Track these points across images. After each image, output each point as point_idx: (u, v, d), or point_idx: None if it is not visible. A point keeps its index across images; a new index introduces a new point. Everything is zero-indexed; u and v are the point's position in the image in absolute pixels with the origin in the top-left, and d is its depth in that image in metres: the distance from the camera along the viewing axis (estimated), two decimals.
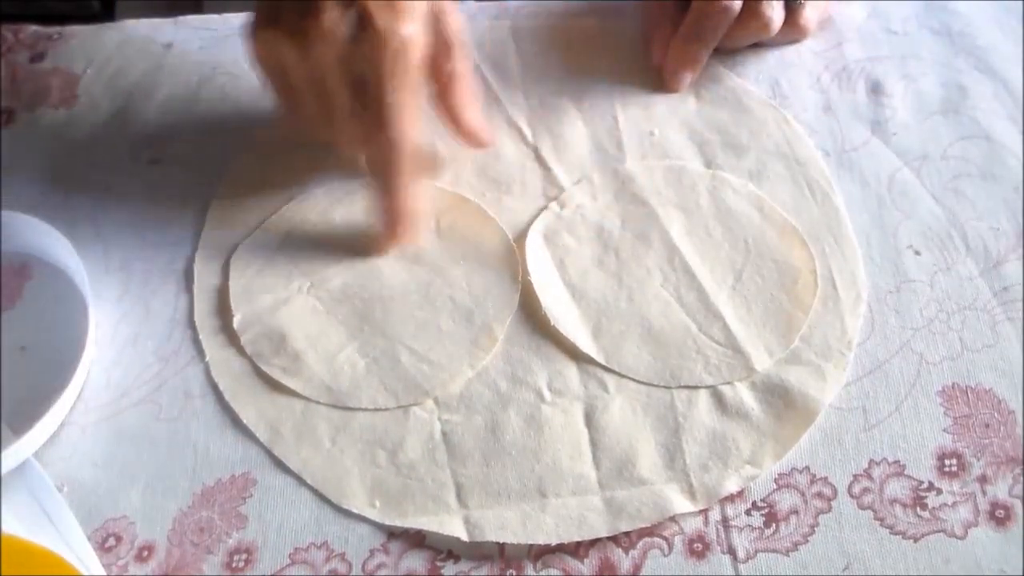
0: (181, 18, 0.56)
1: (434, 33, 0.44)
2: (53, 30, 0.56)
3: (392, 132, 0.42)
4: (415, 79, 0.42)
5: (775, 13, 0.49)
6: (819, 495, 0.39)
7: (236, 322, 0.44)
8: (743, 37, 0.50)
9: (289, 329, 0.44)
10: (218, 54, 0.54)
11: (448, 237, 0.46)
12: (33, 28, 0.56)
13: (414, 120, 0.43)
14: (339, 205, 0.48)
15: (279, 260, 0.46)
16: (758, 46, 0.52)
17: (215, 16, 0.56)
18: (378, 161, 0.44)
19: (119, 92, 0.53)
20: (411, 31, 0.41)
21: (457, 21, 0.45)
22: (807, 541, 0.38)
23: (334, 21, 0.41)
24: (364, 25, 0.41)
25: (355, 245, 0.46)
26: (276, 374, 0.43)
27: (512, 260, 0.45)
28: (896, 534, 0.38)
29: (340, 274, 0.45)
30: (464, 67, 0.46)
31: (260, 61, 0.44)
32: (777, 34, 0.50)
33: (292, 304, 0.45)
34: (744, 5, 0.49)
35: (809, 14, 0.51)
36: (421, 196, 0.45)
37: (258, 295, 0.45)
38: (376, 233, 0.45)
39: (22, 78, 0.54)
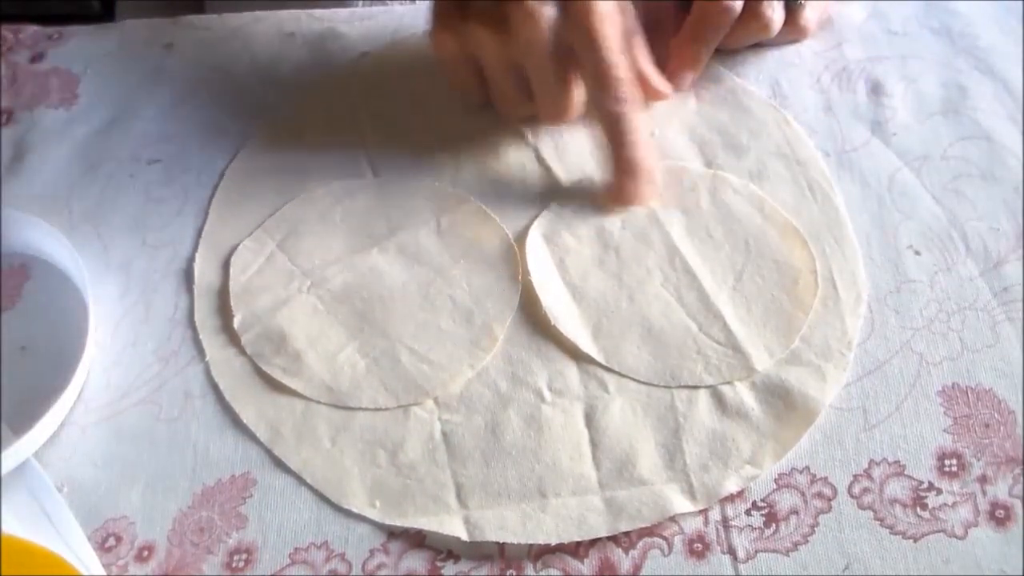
0: (181, 18, 0.56)
1: None
2: (53, 30, 0.56)
3: (622, 89, 0.45)
4: (621, 38, 0.45)
5: (775, 14, 0.50)
6: (819, 495, 0.39)
7: (236, 322, 0.44)
8: (743, 37, 0.51)
9: (289, 329, 0.44)
10: (218, 54, 0.54)
11: (448, 237, 0.46)
12: (33, 28, 0.56)
13: (631, 76, 0.45)
14: (339, 205, 0.48)
15: (279, 260, 0.46)
16: (758, 46, 0.52)
17: (215, 16, 0.56)
18: (611, 120, 0.45)
19: (119, 92, 0.53)
20: None
21: None
22: (807, 541, 0.38)
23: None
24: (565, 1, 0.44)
25: (355, 244, 0.46)
26: (277, 374, 0.43)
27: (512, 260, 0.45)
28: (896, 534, 0.38)
29: (340, 274, 0.45)
30: (636, 25, 0.48)
31: (449, 54, 0.48)
32: (777, 34, 0.51)
33: (292, 304, 0.45)
34: (745, 5, 0.49)
35: (809, 15, 0.51)
36: (653, 151, 0.47)
37: (258, 295, 0.45)
38: (614, 193, 0.46)
39: (22, 78, 0.54)
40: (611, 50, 0.44)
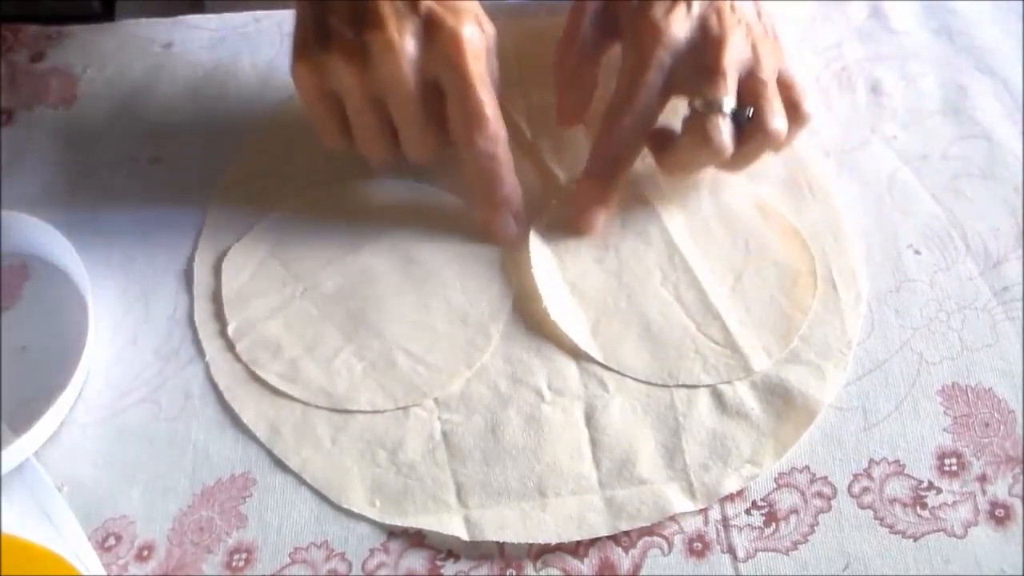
0: (181, 18, 0.56)
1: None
2: (53, 30, 0.56)
3: (493, 127, 0.43)
4: (489, 75, 0.43)
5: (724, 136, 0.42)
6: (819, 494, 0.39)
7: (231, 330, 0.44)
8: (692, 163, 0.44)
9: (285, 335, 0.43)
10: (218, 54, 0.54)
11: (440, 238, 0.46)
12: (33, 28, 0.56)
13: (500, 115, 0.43)
14: (330, 207, 0.48)
15: (271, 265, 0.46)
16: None
17: (215, 16, 0.56)
18: (482, 158, 0.43)
19: (119, 92, 0.53)
20: (475, 31, 0.42)
21: (491, 26, 0.45)
22: (807, 540, 0.38)
23: (398, 30, 0.41)
24: (432, 29, 0.42)
25: (347, 246, 0.46)
26: (274, 380, 0.42)
27: (506, 260, 0.45)
28: (896, 533, 0.38)
29: (333, 277, 0.45)
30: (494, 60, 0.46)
31: (309, 90, 0.43)
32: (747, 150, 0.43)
33: (286, 310, 0.44)
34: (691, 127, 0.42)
35: (776, 121, 0.42)
36: (518, 189, 0.45)
37: (251, 301, 0.45)
38: (491, 231, 0.45)
39: (22, 78, 0.54)
40: (481, 87, 0.42)
